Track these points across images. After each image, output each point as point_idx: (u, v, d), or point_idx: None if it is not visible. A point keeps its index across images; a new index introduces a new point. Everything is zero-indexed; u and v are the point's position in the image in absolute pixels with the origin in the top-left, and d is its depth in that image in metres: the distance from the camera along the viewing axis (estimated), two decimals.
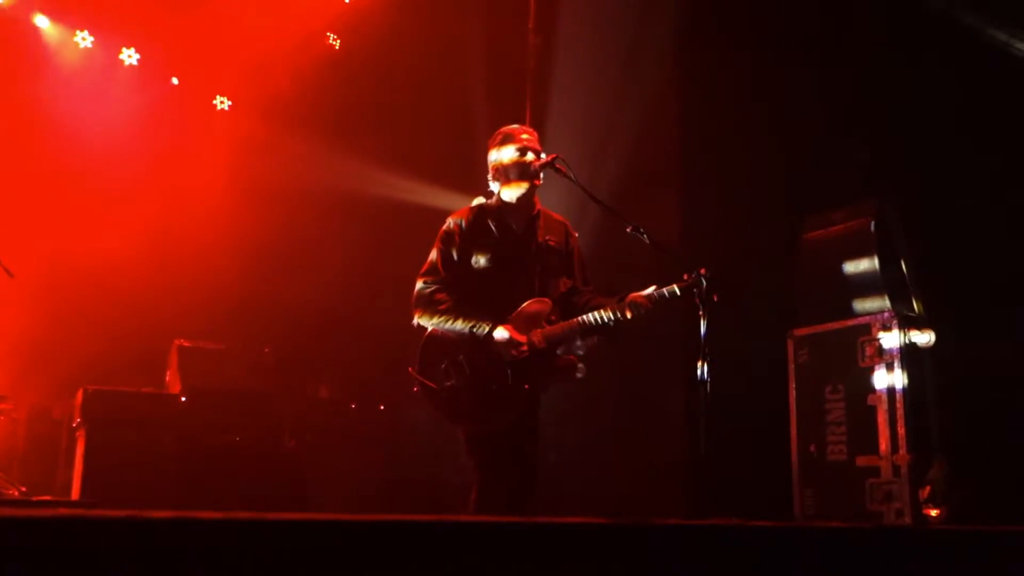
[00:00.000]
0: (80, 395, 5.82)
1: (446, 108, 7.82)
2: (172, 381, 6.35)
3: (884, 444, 5.22)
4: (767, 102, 6.57)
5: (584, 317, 3.80)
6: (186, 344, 6.38)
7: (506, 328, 3.78)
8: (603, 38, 7.23)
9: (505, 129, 4.09)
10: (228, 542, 1.41)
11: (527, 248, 3.99)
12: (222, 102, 7.84)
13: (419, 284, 3.95)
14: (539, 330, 3.83)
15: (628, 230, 3.85)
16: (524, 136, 4.03)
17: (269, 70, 7.58)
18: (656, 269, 4.10)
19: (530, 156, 3.95)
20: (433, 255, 3.99)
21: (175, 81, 7.58)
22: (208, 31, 7.40)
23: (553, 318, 3.88)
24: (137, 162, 7.09)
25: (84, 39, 7.21)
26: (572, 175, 3.90)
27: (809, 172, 6.45)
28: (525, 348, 3.77)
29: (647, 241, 3.82)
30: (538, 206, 4.07)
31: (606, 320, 3.76)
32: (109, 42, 7.32)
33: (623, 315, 3.74)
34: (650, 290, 3.74)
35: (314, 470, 6.51)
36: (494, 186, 4.05)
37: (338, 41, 8.16)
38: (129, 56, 7.39)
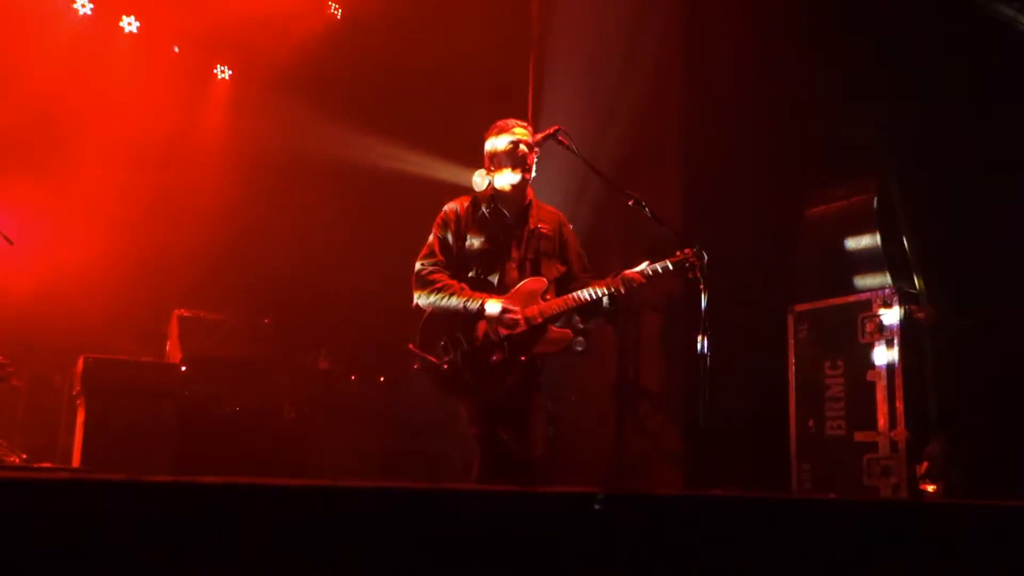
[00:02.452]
0: (80, 363, 5.83)
1: (448, 79, 7.77)
2: (172, 350, 6.36)
3: (882, 420, 5.24)
4: (770, 77, 6.53)
5: (578, 293, 3.90)
6: (186, 314, 6.38)
7: (498, 300, 3.86)
8: (606, 11, 7.17)
9: (500, 122, 4.19)
10: (227, 507, 1.41)
11: (520, 233, 4.08)
12: (222, 71, 7.79)
13: (417, 265, 4.05)
14: (535, 306, 3.91)
15: (629, 203, 3.87)
16: (518, 130, 4.10)
17: (270, 39, 7.52)
18: (657, 242, 4.10)
19: (522, 148, 4.00)
20: (431, 239, 4.09)
21: (176, 50, 7.52)
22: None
23: (548, 296, 3.95)
24: (137, 131, 7.06)
25: (84, 6, 7.15)
26: (574, 147, 3.93)
27: (811, 147, 6.42)
28: (518, 316, 3.83)
29: (648, 214, 3.84)
30: (531, 196, 4.14)
31: (600, 295, 3.85)
32: (108, 9, 7.26)
33: (617, 290, 3.81)
34: (643, 266, 3.81)
35: (313, 441, 6.53)
36: (486, 178, 4.09)
37: (339, 10, 8.10)
38: (129, 24, 7.33)
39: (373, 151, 7.57)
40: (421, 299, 3.99)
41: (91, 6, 7.17)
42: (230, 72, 7.80)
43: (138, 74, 7.31)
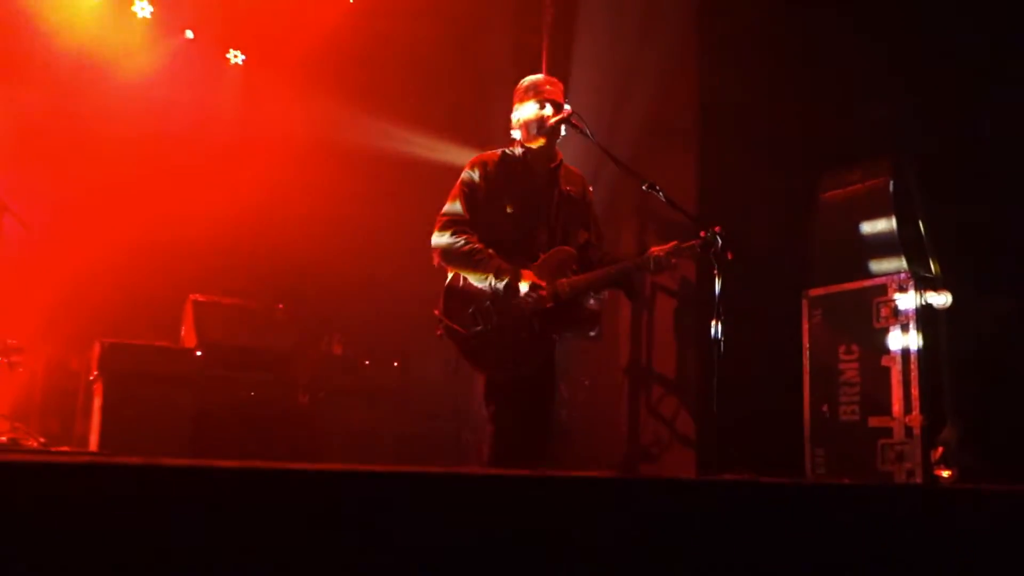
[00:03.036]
0: (97, 348, 5.87)
1: (462, 62, 7.75)
2: (187, 335, 6.40)
3: (897, 405, 5.22)
4: (785, 60, 6.48)
5: (609, 268, 3.83)
6: (201, 299, 6.41)
7: (527, 276, 3.77)
8: None
9: (529, 80, 4.07)
10: (242, 491, 1.42)
11: (550, 196, 3.99)
12: (235, 56, 7.79)
13: (438, 227, 3.90)
14: (565, 279, 3.83)
15: (643, 187, 3.84)
16: (548, 87, 4.01)
17: (283, 24, 7.51)
18: (671, 226, 4.09)
19: (549, 110, 3.93)
20: (455, 200, 3.94)
21: (190, 35, 7.53)
22: None
23: (575, 267, 3.88)
24: (152, 116, 7.08)
25: None
26: (588, 131, 3.88)
27: (827, 130, 6.37)
28: (546, 293, 3.77)
29: (662, 198, 3.81)
30: (560, 157, 4.06)
31: (631, 269, 3.83)
32: None
33: (646, 267, 3.77)
34: (670, 245, 3.75)
35: (327, 426, 6.57)
36: (516, 134, 4.04)
37: None
38: (142, 8, 7.34)
39: (386, 135, 7.56)
40: (445, 263, 3.86)
41: None
42: (243, 57, 7.80)
43: (152, 59, 7.32)
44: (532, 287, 3.76)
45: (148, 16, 7.35)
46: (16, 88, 6.68)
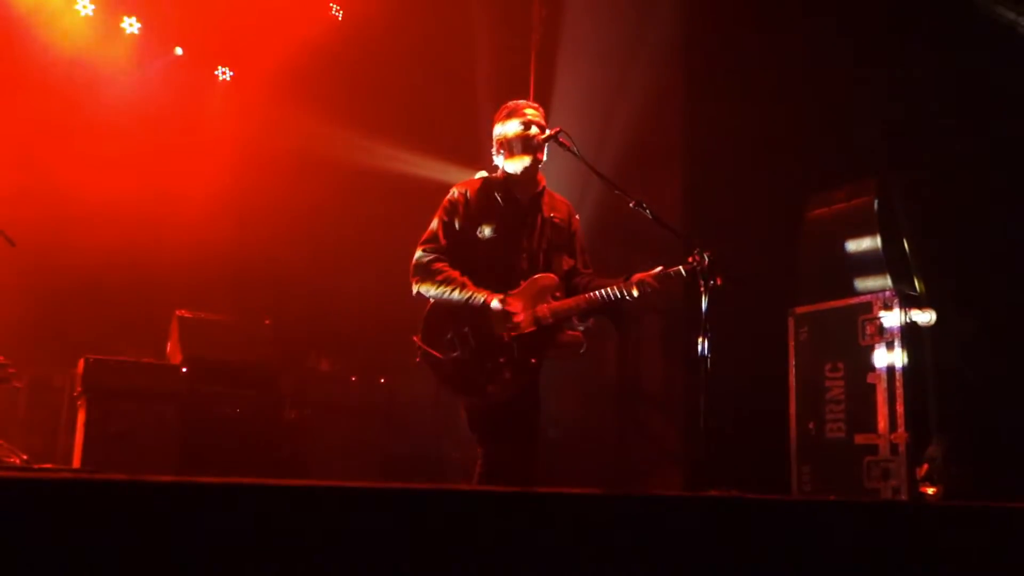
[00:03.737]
0: (81, 364, 5.83)
1: (449, 80, 7.78)
2: (173, 351, 6.36)
3: (883, 422, 5.24)
4: (771, 80, 6.53)
5: (592, 294, 3.79)
6: (187, 315, 6.39)
7: (501, 301, 3.77)
8: (609, 12, 7.18)
9: (511, 103, 4.08)
10: (228, 508, 1.42)
11: (532, 222, 3.97)
12: (223, 72, 7.80)
13: (418, 252, 3.91)
14: (546, 305, 3.82)
15: (631, 205, 3.84)
16: (529, 111, 4.01)
17: (271, 40, 7.52)
18: (658, 244, 4.10)
19: (534, 130, 3.94)
20: (434, 224, 3.95)
21: (179, 51, 7.53)
22: (208, 1, 7.35)
23: (558, 294, 3.86)
24: (139, 131, 7.06)
25: (85, 7, 7.16)
26: (575, 149, 3.88)
27: (812, 150, 6.43)
28: (520, 318, 3.77)
29: (649, 216, 3.81)
30: (543, 183, 4.06)
31: (613, 297, 3.75)
32: (110, 11, 7.26)
33: (629, 294, 3.74)
34: (656, 270, 3.73)
35: (314, 442, 6.54)
36: (498, 160, 4.03)
37: (341, 11, 8.11)
38: (130, 25, 7.34)
39: (373, 152, 7.57)
40: (421, 288, 3.86)
41: (92, 7, 7.17)
42: (231, 73, 7.81)
43: (139, 75, 7.32)
44: (504, 313, 3.75)
45: (136, 32, 7.35)
46: (3, 103, 6.66)
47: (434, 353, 3.81)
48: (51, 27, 7.03)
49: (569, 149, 3.88)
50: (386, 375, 7.12)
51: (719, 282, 3.55)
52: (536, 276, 3.86)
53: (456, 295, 3.79)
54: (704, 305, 3.56)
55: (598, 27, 7.21)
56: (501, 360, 3.77)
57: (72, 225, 6.73)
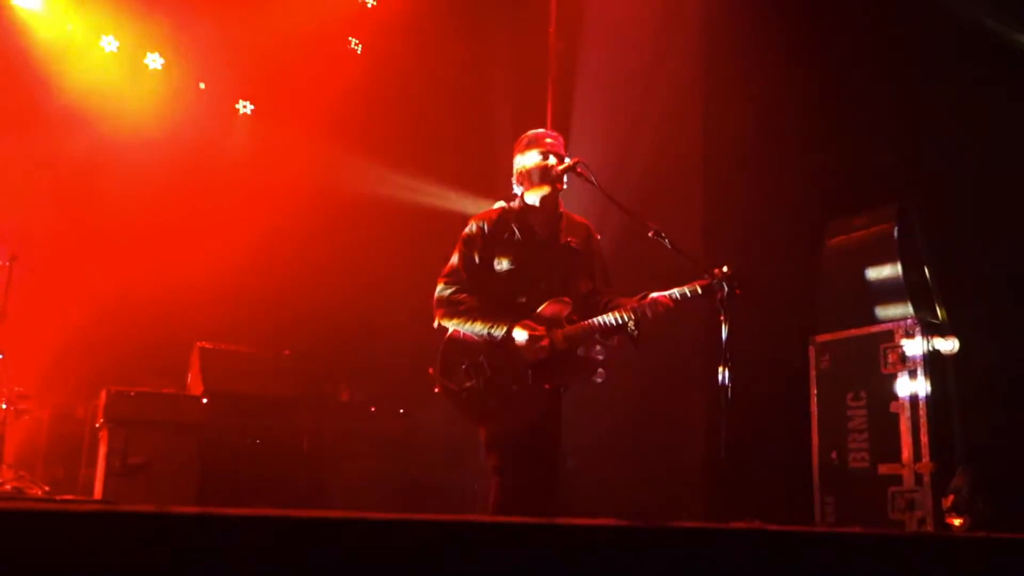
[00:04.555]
0: (103, 395, 5.87)
1: (468, 112, 7.84)
2: (194, 383, 6.39)
3: (906, 452, 5.18)
4: (790, 107, 6.54)
5: (604, 317, 3.80)
6: (208, 346, 6.42)
7: (524, 327, 3.79)
8: (626, 42, 7.22)
9: (530, 133, 4.12)
10: (249, 539, 1.42)
11: (550, 250, 4.00)
12: (244, 106, 7.90)
13: (440, 286, 3.97)
14: (559, 330, 3.84)
15: (650, 235, 3.84)
16: (548, 140, 4.06)
17: (291, 75, 7.62)
18: (678, 274, 4.08)
19: (552, 160, 3.97)
20: (455, 257, 4.01)
21: (202, 86, 7.64)
22: (230, 36, 7.47)
23: (574, 318, 3.87)
24: (160, 164, 7.15)
25: (110, 44, 7.29)
26: (594, 179, 3.90)
27: (832, 177, 6.41)
28: (546, 342, 3.77)
29: (668, 246, 3.81)
30: (561, 208, 4.08)
31: (626, 319, 3.75)
32: (134, 47, 7.39)
33: (643, 315, 3.73)
34: (671, 291, 3.73)
35: (333, 473, 6.53)
36: (518, 189, 4.07)
37: (360, 46, 8.20)
38: (153, 61, 7.46)
39: (392, 183, 7.63)
40: (444, 321, 3.91)
41: (117, 44, 7.30)
42: (252, 107, 7.90)
43: (162, 109, 7.42)
44: (531, 338, 3.78)
45: (160, 68, 7.47)
46: (28, 137, 6.77)
47: (450, 385, 3.86)
48: (76, 63, 7.15)
49: (588, 179, 3.90)
50: (405, 406, 7.12)
51: (738, 292, 3.52)
52: (550, 301, 3.88)
53: (478, 326, 3.82)
54: (724, 334, 3.54)
55: (615, 57, 7.25)
56: (515, 387, 3.79)
57: (94, 257, 6.80)
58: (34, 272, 5.48)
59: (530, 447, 3.83)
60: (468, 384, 3.83)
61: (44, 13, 7.06)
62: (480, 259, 3.96)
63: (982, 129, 6.28)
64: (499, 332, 3.79)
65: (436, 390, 3.91)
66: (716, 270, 3.57)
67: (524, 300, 3.89)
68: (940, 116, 6.36)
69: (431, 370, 3.92)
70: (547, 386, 3.83)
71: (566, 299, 3.91)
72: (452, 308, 3.90)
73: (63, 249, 6.54)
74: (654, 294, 3.75)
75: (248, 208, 7.27)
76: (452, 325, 3.91)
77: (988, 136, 6.28)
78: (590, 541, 1.85)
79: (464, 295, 3.90)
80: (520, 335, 3.78)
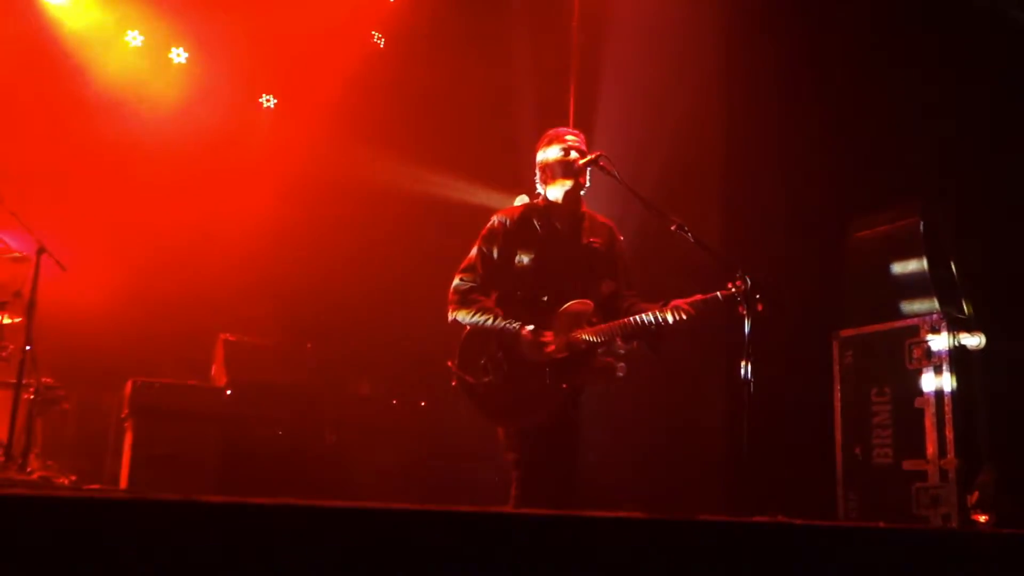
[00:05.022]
0: (129, 386, 5.93)
1: (489, 106, 7.84)
2: (218, 374, 6.44)
3: (931, 448, 5.14)
4: (813, 101, 6.49)
5: (626, 320, 3.78)
6: (231, 338, 6.47)
7: (532, 331, 3.78)
8: (648, 36, 7.19)
9: (552, 131, 4.13)
10: (275, 527, 1.43)
11: (571, 249, 3.99)
12: (267, 100, 7.93)
13: (456, 280, 3.98)
14: (580, 331, 3.82)
15: (672, 228, 3.82)
16: (570, 137, 4.05)
17: (314, 68, 7.64)
18: (700, 268, 4.07)
19: (574, 155, 3.96)
20: (473, 252, 4.01)
21: (225, 80, 7.68)
22: (253, 30, 7.50)
23: (595, 320, 3.85)
24: (185, 158, 7.20)
25: (135, 38, 7.35)
26: (616, 173, 3.89)
27: (856, 171, 6.36)
28: (552, 348, 3.77)
29: (691, 240, 3.79)
30: (584, 208, 4.07)
31: (648, 323, 3.73)
32: (159, 41, 7.44)
33: (665, 320, 3.71)
34: (694, 298, 3.70)
35: (354, 466, 6.55)
36: (540, 187, 4.07)
37: (383, 40, 8.21)
38: (178, 55, 7.50)
39: (415, 177, 7.64)
40: (457, 316, 3.92)
41: (142, 38, 7.36)
42: (275, 101, 7.93)
43: (186, 103, 7.47)
44: (535, 343, 3.77)
45: (184, 62, 7.51)
46: (53, 129, 6.83)
47: (468, 378, 3.86)
48: (102, 57, 7.21)
49: (610, 173, 3.89)
50: (426, 399, 7.13)
51: (760, 308, 3.51)
52: (571, 303, 3.87)
53: (489, 324, 3.84)
54: (747, 329, 3.52)
55: (639, 52, 7.22)
56: (533, 385, 3.78)
57: (120, 250, 6.87)
58: (61, 264, 5.53)
59: (549, 442, 3.82)
60: (486, 379, 3.82)
61: (70, 7, 7.12)
62: (500, 255, 3.96)
63: (1011, 123, 6.21)
64: (513, 326, 3.80)
65: (453, 384, 3.90)
66: (739, 282, 3.54)
67: (545, 298, 3.88)
68: (968, 110, 6.29)
69: (450, 363, 3.92)
70: (564, 386, 3.81)
71: (587, 301, 3.89)
72: (466, 303, 3.91)
73: (89, 241, 6.60)
74: (677, 301, 3.73)
75: (271, 202, 7.30)
76: (465, 320, 3.91)
77: (1017, 130, 6.21)
78: (612, 534, 1.85)
79: (479, 293, 3.92)
80: (527, 335, 3.78)
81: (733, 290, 3.55)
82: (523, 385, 3.79)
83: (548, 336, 3.80)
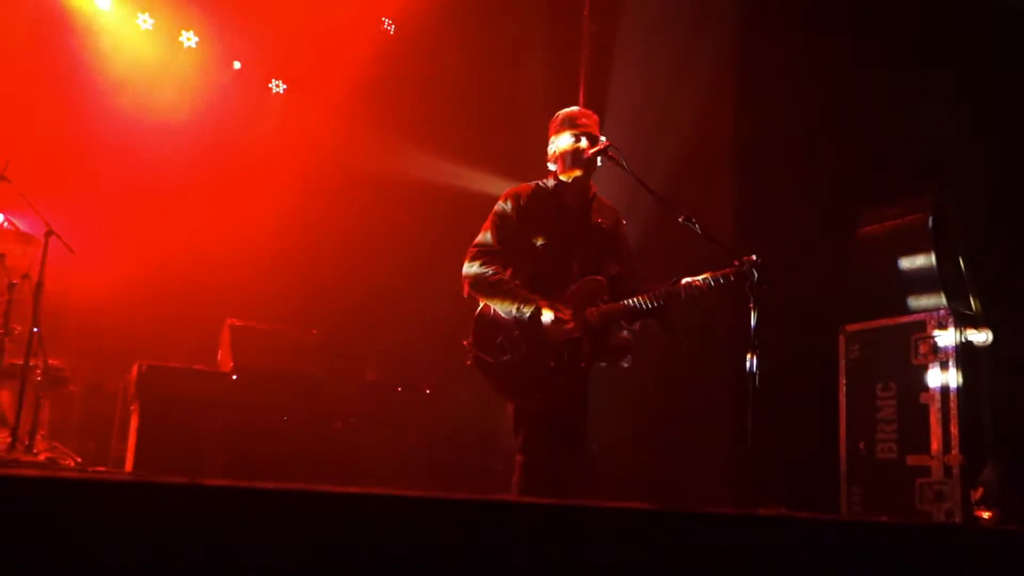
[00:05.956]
0: (135, 370, 5.95)
1: (499, 94, 7.83)
2: (223, 359, 6.46)
3: (936, 443, 5.13)
4: (824, 93, 6.46)
5: (639, 297, 3.78)
6: (238, 323, 6.48)
7: (551, 308, 3.79)
8: (660, 26, 7.17)
9: (564, 113, 4.11)
10: (277, 512, 1.43)
11: (582, 228, 4.01)
12: (277, 85, 7.93)
13: (468, 260, 3.97)
14: (594, 308, 3.83)
15: (680, 220, 3.82)
16: (582, 121, 4.03)
17: (324, 54, 7.64)
18: (708, 259, 4.06)
19: (584, 143, 3.95)
20: (487, 233, 4.01)
21: (237, 65, 7.68)
22: (263, 15, 7.49)
23: (606, 297, 3.87)
24: (193, 142, 7.21)
25: (145, 22, 7.34)
26: (624, 163, 3.89)
27: (865, 165, 6.34)
28: (571, 325, 3.77)
29: (699, 231, 3.79)
30: (594, 189, 4.08)
31: (659, 303, 3.73)
32: (169, 25, 7.44)
33: (676, 296, 3.71)
34: (703, 276, 3.70)
35: (359, 452, 6.57)
36: (552, 165, 4.07)
37: (393, 26, 8.20)
38: (188, 39, 7.50)
39: (423, 165, 7.64)
40: (473, 292, 3.92)
41: (152, 21, 7.36)
42: (285, 86, 7.93)
43: (196, 87, 7.48)
44: (556, 320, 3.78)
45: (194, 46, 7.51)
46: (63, 112, 6.85)
47: (485, 357, 3.86)
48: (112, 40, 7.21)
49: (618, 163, 3.89)
50: (432, 386, 7.15)
51: (765, 288, 3.50)
52: (585, 279, 3.89)
53: (506, 305, 3.82)
54: (753, 321, 3.52)
55: (649, 41, 7.20)
56: (551, 364, 3.79)
57: (127, 234, 6.89)
58: (69, 247, 5.55)
59: (558, 428, 3.84)
60: (504, 358, 3.82)
61: None
62: (513, 234, 3.97)
63: (1019, 118, 6.17)
64: (527, 311, 3.79)
65: (468, 363, 3.90)
66: (746, 257, 3.55)
67: (556, 275, 3.89)
68: (977, 104, 6.26)
69: (465, 342, 3.92)
70: (582, 364, 3.81)
71: (600, 278, 3.90)
72: (481, 282, 3.90)
73: (97, 225, 6.62)
74: (686, 279, 3.72)
75: (279, 187, 7.31)
76: (480, 292, 3.91)
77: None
78: (615, 524, 1.85)
79: (494, 268, 3.90)
80: (547, 316, 3.78)
81: (740, 267, 3.54)
82: (540, 363, 3.80)
83: (567, 314, 3.80)
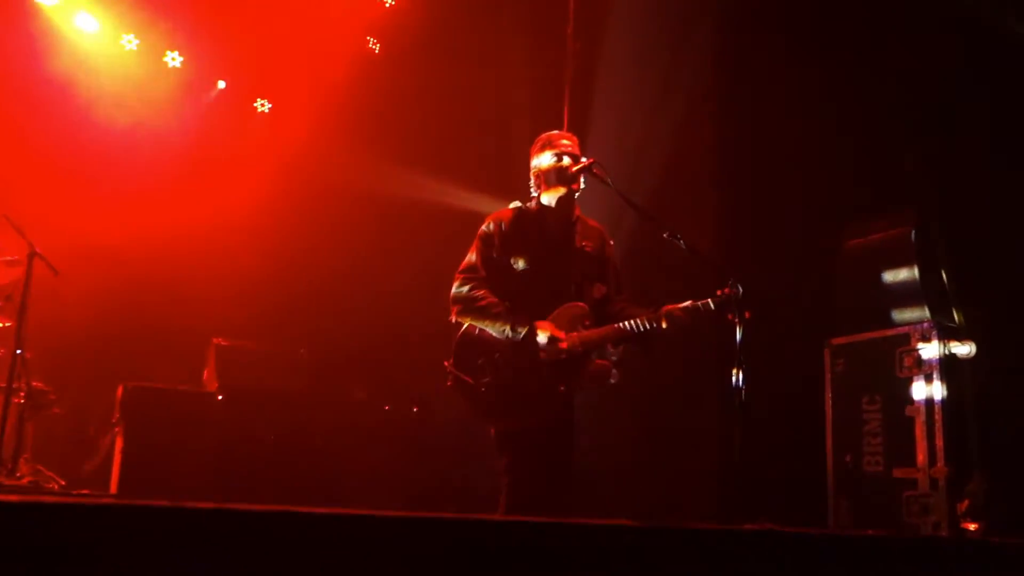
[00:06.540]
0: (120, 391, 5.91)
1: (484, 112, 7.85)
2: (209, 379, 6.43)
3: (921, 456, 5.15)
4: (806, 109, 6.51)
5: (621, 324, 3.80)
6: (224, 343, 6.46)
7: (545, 328, 3.80)
8: (642, 44, 7.22)
9: (545, 135, 4.14)
10: (263, 534, 1.43)
11: (565, 253, 4.01)
12: (262, 105, 7.93)
13: (457, 283, 3.98)
14: (576, 333, 3.84)
15: (665, 235, 3.84)
16: (563, 142, 4.07)
17: (309, 73, 7.65)
18: (692, 275, 4.09)
19: (567, 161, 3.97)
20: (472, 255, 4.02)
21: (222, 85, 7.68)
22: (248, 35, 7.50)
23: (587, 323, 3.88)
24: (178, 161, 7.19)
25: (130, 42, 7.34)
26: (609, 180, 3.91)
27: (849, 179, 6.38)
28: (565, 345, 3.78)
29: (683, 247, 3.81)
30: (577, 212, 4.09)
31: (642, 328, 3.76)
32: (154, 45, 7.44)
33: (658, 325, 3.73)
34: (686, 304, 3.73)
35: (347, 471, 6.55)
36: (535, 190, 4.09)
37: (378, 45, 8.22)
38: (172, 59, 7.50)
39: (409, 183, 7.64)
40: (461, 317, 3.92)
41: (137, 42, 7.35)
42: (270, 106, 7.93)
43: (180, 107, 7.47)
44: (551, 339, 3.79)
45: (179, 66, 7.51)
46: (46, 133, 6.82)
47: (466, 379, 3.86)
48: (96, 61, 7.20)
49: (603, 180, 3.92)
50: (419, 404, 7.13)
51: (748, 316, 3.53)
52: (566, 305, 3.89)
53: (498, 324, 3.83)
54: (738, 336, 3.54)
55: (632, 59, 7.25)
56: (531, 387, 3.80)
57: (112, 254, 6.85)
58: (53, 268, 5.52)
59: (542, 448, 3.83)
60: (484, 380, 3.82)
61: (63, 10, 7.11)
62: (497, 257, 3.98)
63: (1003, 131, 6.24)
64: (520, 331, 3.80)
65: (448, 384, 3.90)
66: (728, 289, 3.57)
67: (539, 299, 3.90)
68: (960, 118, 6.32)
69: (446, 363, 3.92)
70: (561, 388, 3.83)
71: (582, 304, 3.91)
72: (470, 305, 3.90)
73: (81, 246, 6.58)
74: (668, 307, 3.75)
75: (265, 205, 7.29)
76: (469, 320, 3.91)
77: (1009, 139, 6.24)
78: (602, 541, 1.85)
79: (483, 292, 3.91)
80: (542, 336, 3.79)
81: (723, 296, 3.58)
82: (521, 386, 3.81)
83: (561, 334, 3.81)
